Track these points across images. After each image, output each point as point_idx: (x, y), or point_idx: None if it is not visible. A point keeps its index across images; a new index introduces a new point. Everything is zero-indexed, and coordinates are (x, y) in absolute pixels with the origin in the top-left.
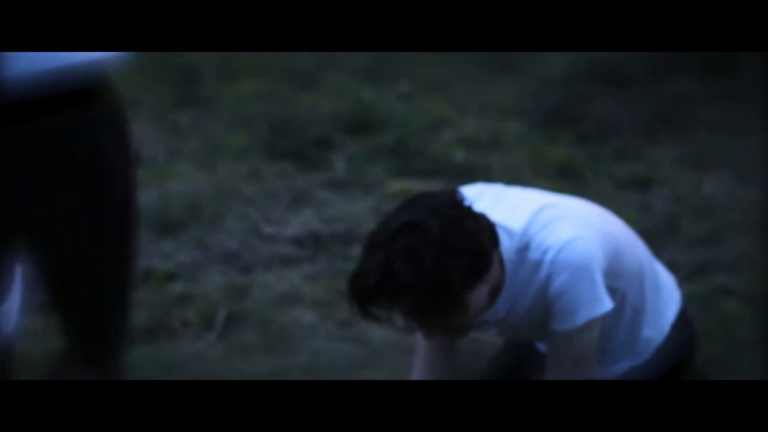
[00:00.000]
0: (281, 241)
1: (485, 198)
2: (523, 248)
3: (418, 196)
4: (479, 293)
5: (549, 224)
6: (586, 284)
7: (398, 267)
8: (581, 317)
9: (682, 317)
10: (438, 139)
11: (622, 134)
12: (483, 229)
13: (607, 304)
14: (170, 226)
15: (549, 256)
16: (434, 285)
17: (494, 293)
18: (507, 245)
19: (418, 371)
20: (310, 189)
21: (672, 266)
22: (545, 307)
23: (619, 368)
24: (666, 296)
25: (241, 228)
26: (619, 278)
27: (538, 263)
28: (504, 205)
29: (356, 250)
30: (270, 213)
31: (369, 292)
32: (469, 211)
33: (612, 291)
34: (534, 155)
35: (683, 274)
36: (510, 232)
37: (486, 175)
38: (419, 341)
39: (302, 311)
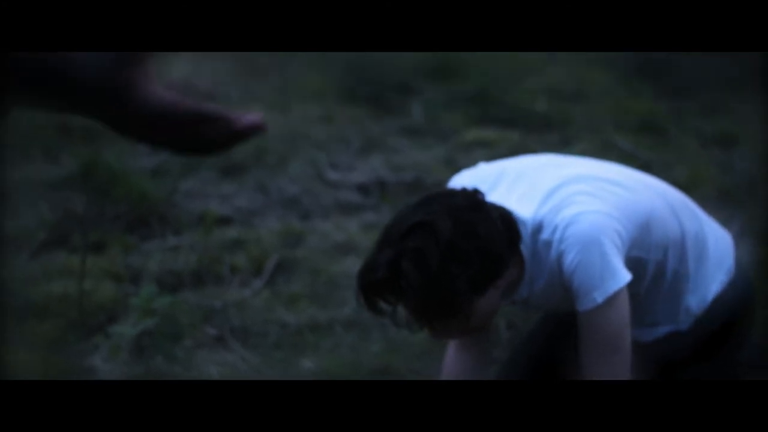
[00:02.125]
0: (345, 187)
1: (505, 179)
2: (536, 231)
3: (438, 194)
4: (490, 298)
5: (559, 204)
6: (596, 259)
7: (405, 266)
8: (600, 295)
9: (732, 288)
10: (520, 87)
11: (709, 88)
12: (499, 234)
13: (624, 276)
14: (234, 168)
15: (557, 235)
16: (437, 289)
17: (513, 287)
18: (523, 234)
19: (449, 355)
20: (383, 135)
21: (749, 228)
22: (564, 288)
23: (659, 331)
24: (712, 268)
25: (305, 173)
26: (649, 248)
27: (549, 243)
28: (521, 187)
29: None
30: (338, 158)
31: (375, 287)
32: (486, 214)
33: (638, 261)
34: (617, 108)
35: (759, 237)
36: (523, 221)
37: (567, 127)
38: None
39: (354, 262)
